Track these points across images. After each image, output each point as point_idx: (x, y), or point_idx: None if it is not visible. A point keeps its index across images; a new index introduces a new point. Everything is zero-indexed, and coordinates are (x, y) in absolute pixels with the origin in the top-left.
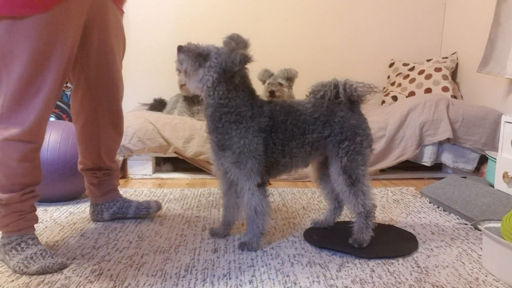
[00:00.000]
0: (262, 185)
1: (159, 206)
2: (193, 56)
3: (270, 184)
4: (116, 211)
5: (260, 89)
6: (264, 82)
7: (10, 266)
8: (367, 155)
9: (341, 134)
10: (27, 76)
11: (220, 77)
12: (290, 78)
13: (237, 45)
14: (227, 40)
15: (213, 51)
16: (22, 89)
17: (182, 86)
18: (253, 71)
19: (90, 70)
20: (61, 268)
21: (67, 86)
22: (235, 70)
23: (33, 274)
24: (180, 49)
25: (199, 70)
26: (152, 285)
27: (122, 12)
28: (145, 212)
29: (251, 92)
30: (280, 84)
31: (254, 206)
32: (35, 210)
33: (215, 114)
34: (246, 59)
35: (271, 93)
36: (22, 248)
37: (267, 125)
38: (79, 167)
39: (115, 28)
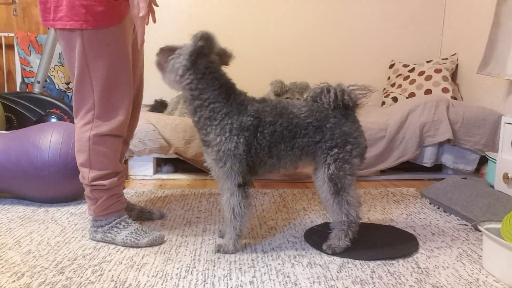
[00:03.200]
0: (243, 185)
1: (161, 215)
2: (166, 51)
3: (254, 186)
4: None
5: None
6: (279, 95)
7: (118, 241)
8: (356, 165)
9: (331, 141)
10: (111, 78)
11: (188, 63)
12: (301, 92)
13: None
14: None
15: (184, 44)
16: (108, 89)
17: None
18: (251, 72)
19: None
20: (163, 241)
21: (68, 88)
22: (198, 48)
23: (143, 246)
24: (159, 50)
25: (170, 61)
26: (153, 286)
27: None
28: (148, 216)
29: (227, 86)
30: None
31: (232, 207)
32: (123, 193)
33: (191, 107)
34: (207, 36)
35: None
36: (123, 226)
37: (251, 124)
38: None
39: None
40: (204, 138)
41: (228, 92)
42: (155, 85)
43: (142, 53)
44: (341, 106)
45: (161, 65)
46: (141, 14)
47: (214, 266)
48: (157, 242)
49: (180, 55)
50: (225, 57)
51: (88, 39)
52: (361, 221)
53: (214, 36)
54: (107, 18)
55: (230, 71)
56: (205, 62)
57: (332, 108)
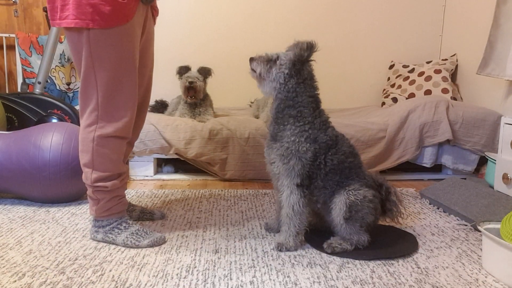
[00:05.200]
0: (301, 186)
1: (162, 216)
2: (264, 61)
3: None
4: None
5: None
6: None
7: (118, 241)
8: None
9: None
10: (116, 79)
11: (291, 71)
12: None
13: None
14: (293, 43)
15: (281, 53)
16: (112, 90)
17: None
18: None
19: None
20: (164, 242)
21: (69, 88)
22: (304, 58)
23: (144, 247)
24: (252, 59)
25: (271, 70)
26: (154, 286)
27: (155, 21)
28: (149, 217)
29: (316, 99)
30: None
31: (292, 204)
32: (125, 195)
33: (280, 106)
34: (312, 45)
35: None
36: (124, 227)
37: (326, 144)
38: None
39: (151, 39)
40: (277, 132)
41: (317, 103)
42: (155, 85)
43: (152, 53)
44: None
45: (261, 75)
46: None
47: (214, 266)
48: (158, 243)
49: (281, 65)
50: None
51: (94, 39)
52: None
53: (317, 43)
54: (114, 17)
55: (230, 72)
56: (308, 68)
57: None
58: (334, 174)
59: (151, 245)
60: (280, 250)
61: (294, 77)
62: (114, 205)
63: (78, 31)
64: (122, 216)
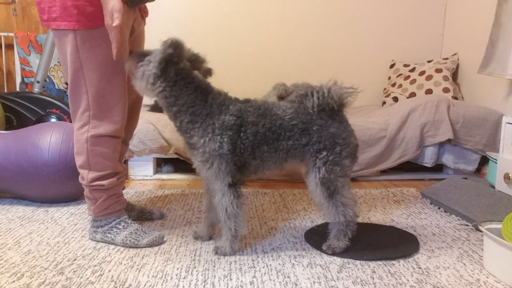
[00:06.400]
0: (234, 185)
1: (162, 215)
2: (136, 56)
3: (246, 184)
4: None
5: (256, 92)
6: (282, 98)
7: (117, 241)
8: (347, 166)
9: (319, 144)
10: (104, 78)
11: (158, 71)
12: None
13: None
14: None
15: (155, 49)
16: (102, 89)
17: None
18: (251, 71)
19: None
20: (163, 241)
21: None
22: (166, 55)
23: (143, 247)
24: (129, 53)
25: (140, 68)
26: (153, 286)
27: (145, 21)
28: (148, 217)
29: (202, 89)
30: None
31: (225, 207)
32: (123, 194)
33: (169, 114)
34: (177, 43)
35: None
36: (123, 226)
37: (234, 124)
38: None
39: (143, 37)
40: (189, 141)
41: (204, 93)
42: None
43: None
44: (327, 109)
45: (131, 71)
46: (114, 24)
47: (214, 266)
48: (157, 242)
49: (150, 62)
50: (197, 62)
51: (81, 40)
52: (361, 222)
53: (183, 42)
54: (99, 18)
55: (230, 71)
56: (175, 69)
57: (317, 112)
58: (261, 145)
59: (150, 245)
60: (216, 254)
61: (162, 77)
62: (112, 203)
63: (65, 33)
64: (120, 215)
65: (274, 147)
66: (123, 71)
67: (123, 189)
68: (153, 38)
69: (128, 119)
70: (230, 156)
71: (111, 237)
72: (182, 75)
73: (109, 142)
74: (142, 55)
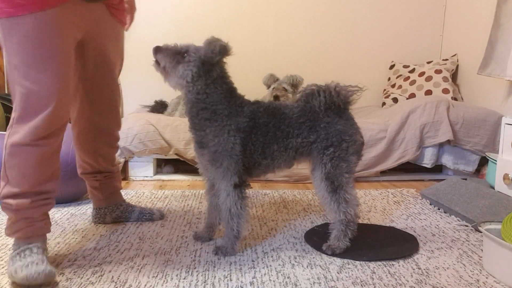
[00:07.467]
0: (239, 186)
1: (162, 215)
2: (171, 54)
3: (251, 186)
4: (119, 215)
5: (256, 94)
6: (269, 86)
7: (7, 272)
8: (353, 162)
9: (327, 140)
10: (31, 72)
11: (199, 71)
12: (295, 85)
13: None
14: (207, 40)
15: (191, 46)
16: (27, 86)
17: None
18: (251, 72)
19: (88, 81)
20: (47, 279)
21: None
22: (214, 61)
23: (19, 282)
24: (158, 49)
25: (177, 66)
26: (153, 287)
27: (124, 24)
28: (148, 217)
29: (230, 89)
30: (285, 90)
31: (229, 207)
32: (48, 218)
33: (193, 110)
34: (225, 49)
35: (276, 98)
36: (25, 255)
37: (247, 126)
38: (79, 171)
39: (114, 40)
40: (201, 139)
41: (231, 94)
42: (155, 86)
43: (118, 52)
44: (333, 107)
45: (165, 69)
46: None
47: (214, 267)
48: (35, 279)
49: (190, 62)
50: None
51: (6, 29)
52: (361, 222)
53: (228, 46)
54: (23, 4)
55: (230, 72)
56: (218, 70)
57: (324, 110)
58: (271, 144)
59: (25, 280)
60: (216, 254)
61: (203, 77)
62: (21, 228)
63: None
64: (31, 242)
65: (284, 146)
66: (58, 66)
67: (121, 188)
68: (153, 39)
69: (108, 112)
70: (240, 157)
71: (10, 264)
72: (221, 74)
73: (27, 152)
74: (178, 53)
